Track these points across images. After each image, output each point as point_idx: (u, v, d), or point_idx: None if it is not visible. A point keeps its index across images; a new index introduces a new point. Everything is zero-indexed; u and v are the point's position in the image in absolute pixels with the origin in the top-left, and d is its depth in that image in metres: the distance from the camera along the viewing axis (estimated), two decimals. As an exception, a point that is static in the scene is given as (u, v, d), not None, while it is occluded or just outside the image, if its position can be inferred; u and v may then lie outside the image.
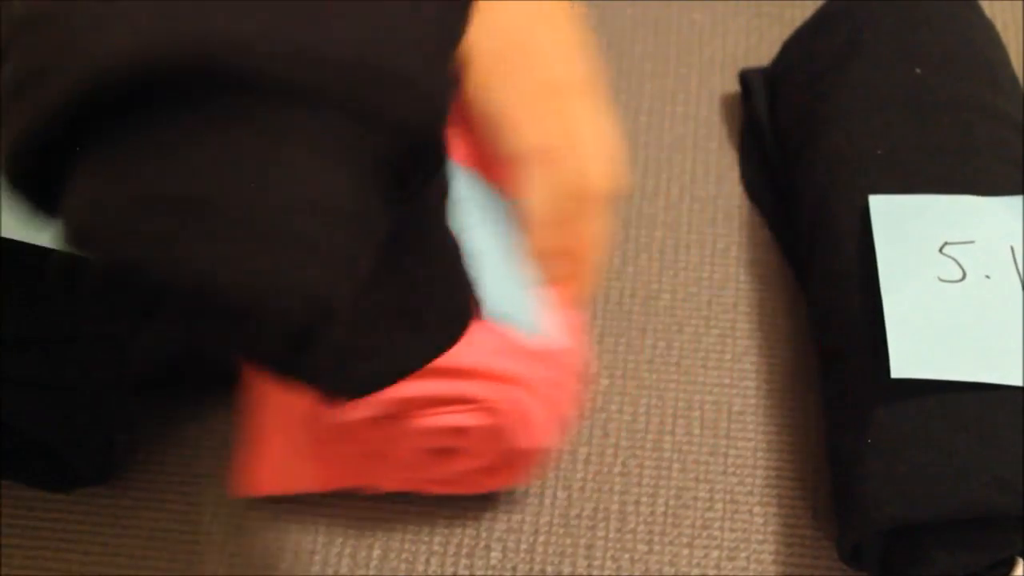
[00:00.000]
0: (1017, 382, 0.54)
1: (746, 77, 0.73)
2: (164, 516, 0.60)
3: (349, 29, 0.34)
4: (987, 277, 0.57)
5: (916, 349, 0.55)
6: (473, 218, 0.57)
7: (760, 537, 0.59)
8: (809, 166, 0.65)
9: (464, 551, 0.59)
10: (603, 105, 0.55)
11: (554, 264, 0.56)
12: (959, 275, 0.57)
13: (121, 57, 0.32)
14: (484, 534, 0.60)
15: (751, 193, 0.70)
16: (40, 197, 0.37)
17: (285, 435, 0.57)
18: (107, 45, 0.33)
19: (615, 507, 0.61)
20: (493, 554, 0.59)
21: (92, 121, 0.34)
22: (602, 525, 0.60)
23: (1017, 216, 0.59)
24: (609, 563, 0.59)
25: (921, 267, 0.58)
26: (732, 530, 0.60)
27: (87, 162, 0.34)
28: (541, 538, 0.60)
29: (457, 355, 0.51)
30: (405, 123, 0.35)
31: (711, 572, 0.59)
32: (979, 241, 0.58)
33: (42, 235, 0.55)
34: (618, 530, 0.60)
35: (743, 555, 0.59)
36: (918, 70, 0.65)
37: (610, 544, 0.60)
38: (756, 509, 0.60)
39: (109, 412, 0.59)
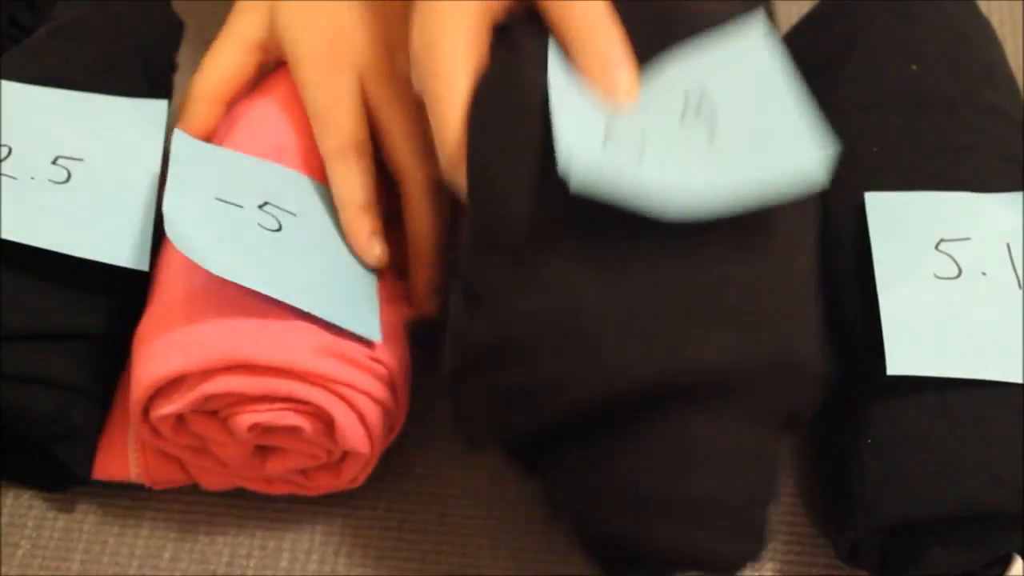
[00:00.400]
0: (1014, 379, 0.54)
1: None
2: (163, 516, 0.61)
3: (777, 337, 0.47)
4: (983, 274, 0.57)
5: (913, 346, 0.55)
6: (302, 213, 0.58)
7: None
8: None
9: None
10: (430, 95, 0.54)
11: (379, 254, 0.59)
12: (955, 272, 0.57)
13: (639, 374, 0.45)
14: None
15: None
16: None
17: (122, 423, 0.58)
18: (627, 364, 0.45)
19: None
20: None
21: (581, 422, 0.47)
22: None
23: (1014, 213, 0.59)
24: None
25: (917, 264, 0.57)
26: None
27: (576, 454, 0.48)
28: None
29: (282, 353, 0.52)
30: (805, 406, 0.50)
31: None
32: (975, 238, 0.58)
33: (40, 236, 0.56)
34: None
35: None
36: (914, 67, 0.64)
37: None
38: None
39: (104, 410, 0.59)
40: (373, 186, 0.60)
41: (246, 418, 0.54)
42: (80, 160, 0.60)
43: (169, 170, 0.57)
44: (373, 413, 0.55)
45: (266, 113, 0.63)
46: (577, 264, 0.47)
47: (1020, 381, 0.54)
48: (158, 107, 0.64)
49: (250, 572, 0.59)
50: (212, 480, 0.59)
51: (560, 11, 0.53)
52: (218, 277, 0.53)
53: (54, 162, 0.60)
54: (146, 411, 0.55)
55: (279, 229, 0.57)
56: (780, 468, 0.50)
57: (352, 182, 0.59)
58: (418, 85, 0.54)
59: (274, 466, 0.57)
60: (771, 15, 0.56)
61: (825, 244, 0.60)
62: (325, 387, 0.54)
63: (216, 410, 0.54)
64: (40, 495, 0.61)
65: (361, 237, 0.58)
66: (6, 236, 0.56)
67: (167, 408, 0.54)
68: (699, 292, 0.47)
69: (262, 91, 0.64)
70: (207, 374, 0.53)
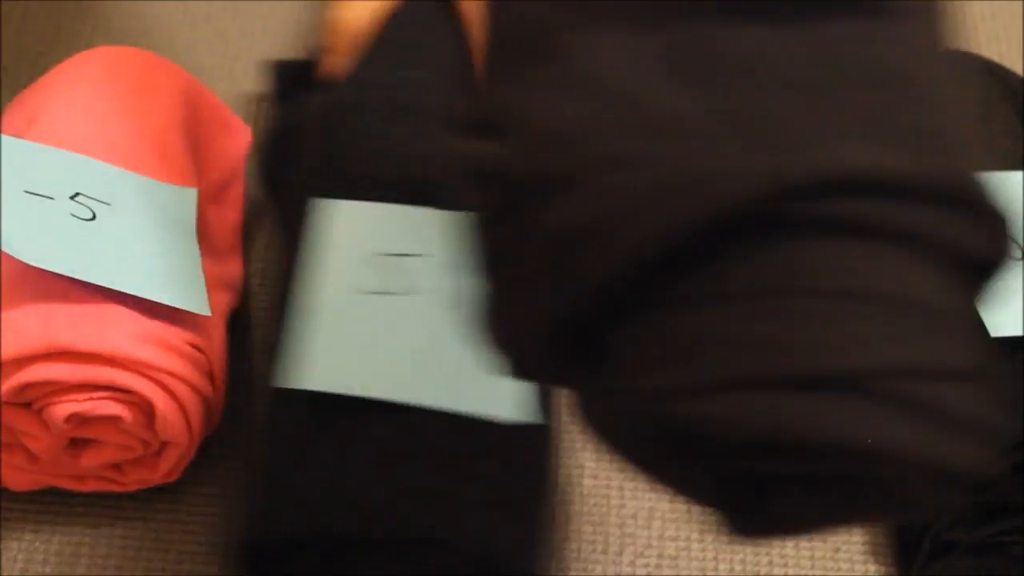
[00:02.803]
0: (421, 401, 0.53)
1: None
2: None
3: (959, 159, 0.33)
4: (420, 292, 0.57)
5: (325, 360, 0.54)
6: (115, 202, 0.57)
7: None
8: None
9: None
10: None
11: None
12: (391, 288, 0.57)
13: (764, 184, 0.30)
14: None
15: None
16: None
17: None
18: (743, 171, 0.30)
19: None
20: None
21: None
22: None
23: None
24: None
25: (353, 276, 0.57)
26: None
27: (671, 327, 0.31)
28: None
29: (101, 340, 0.52)
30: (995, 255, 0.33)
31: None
32: (417, 254, 0.58)
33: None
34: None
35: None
36: (410, 75, 0.65)
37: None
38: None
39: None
40: None
41: (64, 407, 0.52)
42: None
43: None
44: (193, 403, 0.55)
45: (73, 106, 0.62)
46: (629, 49, 0.32)
47: (427, 404, 0.53)
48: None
49: (51, 571, 0.57)
50: (19, 479, 0.57)
51: None
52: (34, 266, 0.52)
53: None
54: None
55: (93, 218, 0.56)
56: (981, 329, 0.33)
57: None
58: None
59: (89, 460, 0.56)
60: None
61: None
62: (146, 375, 0.53)
63: (31, 401, 0.53)
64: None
65: None
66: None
67: None
68: (817, 89, 0.31)
69: (64, 84, 0.63)
70: (24, 362, 0.52)
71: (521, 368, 0.35)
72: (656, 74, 0.32)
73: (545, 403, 0.56)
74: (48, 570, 0.57)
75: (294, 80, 0.70)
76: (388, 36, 0.67)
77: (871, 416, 0.30)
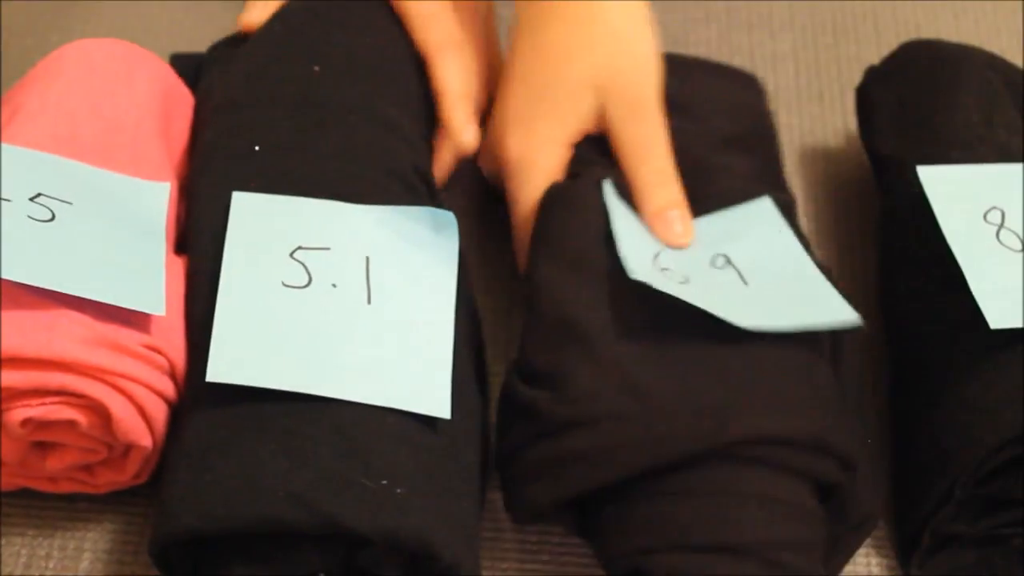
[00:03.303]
0: (339, 395, 0.53)
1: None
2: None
3: (805, 419, 0.54)
4: (334, 285, 0.57)
5: (238, 353, 0.53)
6: (79, 200, 0.57)
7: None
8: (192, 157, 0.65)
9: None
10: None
11: (472, 137, 0.68)
12: (305, 281, 0.57)
13: (688, 443, 0.53)
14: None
15: None
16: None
17: None
18: (678, 434, 0.53)
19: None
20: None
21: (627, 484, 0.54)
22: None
23: (378, 225, 0.59)
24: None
25: (267, 270, 0.57)
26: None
27: (633, 509, 0.54)
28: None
29: (51, 345, 0.51)
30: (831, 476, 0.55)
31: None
32: (335, 248, 0.58)
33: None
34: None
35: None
36: (317, 68, 0.65)
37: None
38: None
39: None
40: (470, 79, 0.69)
41: (18, 413, 0.52)
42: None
43: None
44: (153, 405, 0.54)
45: (45, 104, 0.61)
46: (631, 350, 0.56)
47: (343, 397, 0.53)
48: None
49: (49, 573, 0.57)
50: None
51: (622, 133, 0.64)
52: None
53: None
54: None
55: (48, 219, 0.55)
56: (820, 521, 0.54)
57: (451, 73, 0.68)
58: (497, 174, 0.67)
59: (54, 463, 0.55)
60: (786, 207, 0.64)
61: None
62: (99, 379, 0.52)
63: None
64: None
65: (456, 121, 0.68)
66: None
67: None
68: (738, 378, 0.55)
69: (41, 81, 0.63)
70: None
71: (534, 518, 0.57)
72: (648, 366, 0.55)
73: (467, 399, 0.57)
74: (51, 565, 0.57)
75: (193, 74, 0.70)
76: (283, 29, 0.68)
77: (745, 570, 0.52)
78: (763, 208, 0.63)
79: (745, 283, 0.60)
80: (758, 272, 0.60)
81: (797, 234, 0.62)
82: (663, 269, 0.59)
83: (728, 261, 0.61)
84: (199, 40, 0.73)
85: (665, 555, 0.53)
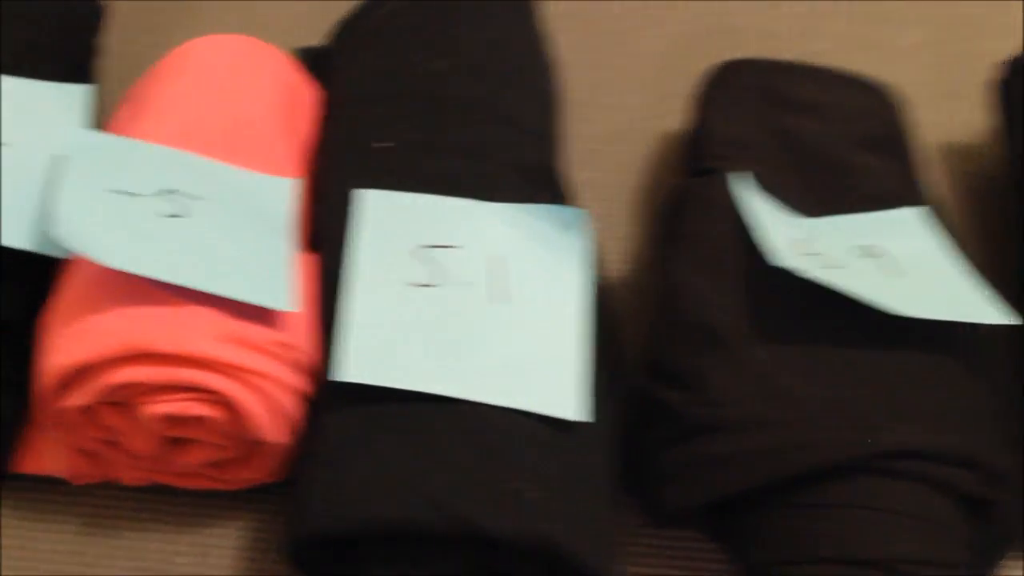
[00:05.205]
0: (465, 395, 0.52)
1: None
2: (90, 512, 0.58)
3: (958, 427, 0.53)
4: (463, 284, 0.56)
5: (367, 353, 0.53)
6: (208, 196, 0.57)
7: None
8: (320, 153, 0.65)
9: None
10: None
11: None
12: (434, 280, 0.56)
13: (835, 454, 0.51)
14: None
15: None
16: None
17: (36, 416, 0.56)
18: (826, 445, 0.52)
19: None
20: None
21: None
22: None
23: (508, 224, 0.59)
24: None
25: (395, 268, 0.56)
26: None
27: (779, 520, 0.53)
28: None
29: (183, 341, 0.51)
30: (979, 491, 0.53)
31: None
32: (464, 246, 0.57)
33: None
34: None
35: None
36: (444, 63, 0.65)
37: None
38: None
39: (24, 402, 0.56)
40: None
41: (152, 408, 0.52)
42: (2, 145, 0.59)
43: (57, 164, 0.56)
44: (285, 401, 0.54)
45: (172, 99, 0.62)
46: (774, 354, 0.55)
47: (474, 398, 0.52)
48: (78, 92, 0.63)
49: (184, 570, 0.57)
50: (131, 474, 0.57)
51: None
52: None
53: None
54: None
55: (180, 215, 0.56)
56: (964, 539, 0.53)
57: None
58: None
59: (185, 459, 0.56)
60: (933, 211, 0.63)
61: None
62: (231, 375, 0.52)
63: (123, 401, 0.53)
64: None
65: None
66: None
67: (73, 400, 0.52)
68: (884, 387, 0.54)
69: (167, 77, 0.63)
70: (109, 364, 0.52)
71: (671, 520, 0.56)
72: (791, 369, 0.54)
73: (600, 400, 0.55)
74: (184, 561, 0.57)
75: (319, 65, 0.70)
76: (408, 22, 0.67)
77: None
78: (910, 214, 0.62)
79: (893, 274, 0.58)
80: (907, 265, 0.59)
81: (945, 236, 0.61)
82: (807, 254, 0.58)
83: (874, 253, 0.59)
84: (317, 35, 0.73)
85: (807, 567, 0.52)
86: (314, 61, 0.70)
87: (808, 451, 0.52)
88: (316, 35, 0.74)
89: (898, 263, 0.59)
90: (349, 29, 0.70)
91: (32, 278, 0.57)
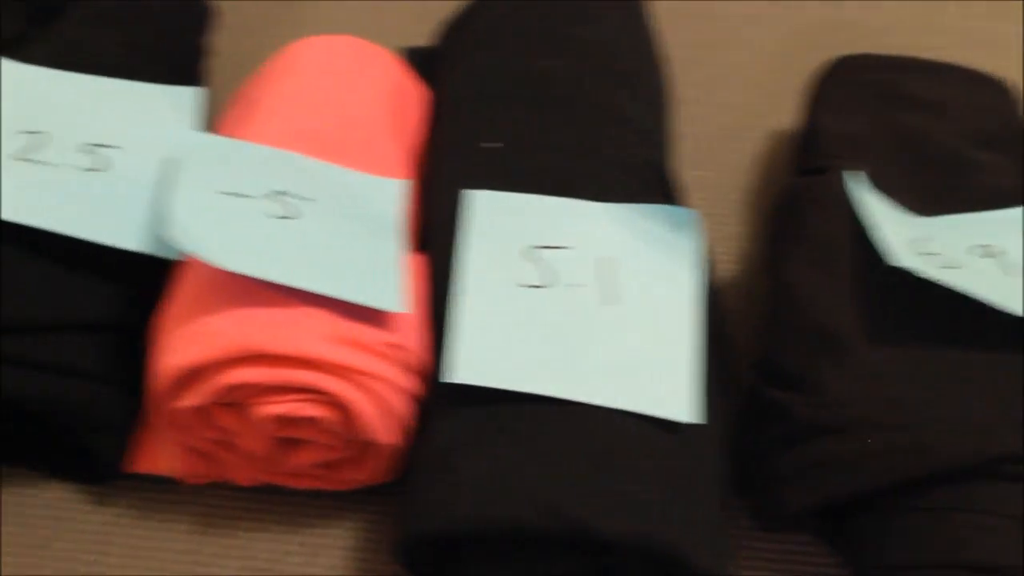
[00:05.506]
0: (579, 397, 0.52)
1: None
2: (203, 511, 0.59)
3: None
4: (573, 285, 0.55)
5: (477, 354, 0.53)
6: (319, 198, 0.57)
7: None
8: (429, 153, 0.64)
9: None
10: None
11: None
12: (544, 281, 0.56)
13: (951, 458, 0.51)
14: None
15: None
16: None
17: (149, 416, 0.56)
18: (941, 449, 0.51)
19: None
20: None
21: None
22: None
23: (615, 223, 0.58)
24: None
25: (505, 270, 0.56)
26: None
27: (893, 522, 0.52)
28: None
29: (296, 342, 0.51)
30: None
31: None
32: (574, 247, 0.57)
33: (73, 224, 0.54)
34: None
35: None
36: (553, 62, 0.64)
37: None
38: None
39: (137, 402, 0.57)
40: None
41: (265, 409, 0.53)
42: (114, 148, 0.59)
43: (169, 166, 0.56)
44: (396, 402, 0.54)
45: (282, 99, 0.62)
46: (888, 356, 0.55)
47: (585, 400, 0.52)
48: (187, 94, 0.63)
49: (294, 570, 0.57)
50: (243, 474, 0.57)
51: None
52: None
53: (86, 149, 0.59)
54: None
55: (291, 216, 0.56)
56: None
57: None
58: None
59: (297, 459, 0.56)
60: None
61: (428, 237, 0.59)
62: (342, 376, 0.52)
63: (237, 402, 0.53)
64: (80, 489, 0.59)
65: None
66: (37, 225, 0.55)
67: (187, 401, 0.52)
68: (999, 392, 0.53)
69: (275, 77, 0.64)
70: (223, 365, 0.52)
71: (785, 522, 0.56)
72: (907, 372, 0.54)
73: (711, 401, 0.55)
74: (295, 560, 0.57)
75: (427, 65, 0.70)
76: (516, 21, 0.67)
77: None
78: None
79: (1012, 274, 0.57)
80: None
81: None
82: (924, 254, 0.57)
83: (992, 253, 0.58)
84: (423, 36, 0.73)
85: (926, 572, 0.51)
86: (421, 61, 0.70)
87: (928, 455, 0.51)
88: (422, 36, 0.74)
89: (1016, 263, 0.58)
90: (456, 29, 0.70)
91: (144, 280, 0.58)
